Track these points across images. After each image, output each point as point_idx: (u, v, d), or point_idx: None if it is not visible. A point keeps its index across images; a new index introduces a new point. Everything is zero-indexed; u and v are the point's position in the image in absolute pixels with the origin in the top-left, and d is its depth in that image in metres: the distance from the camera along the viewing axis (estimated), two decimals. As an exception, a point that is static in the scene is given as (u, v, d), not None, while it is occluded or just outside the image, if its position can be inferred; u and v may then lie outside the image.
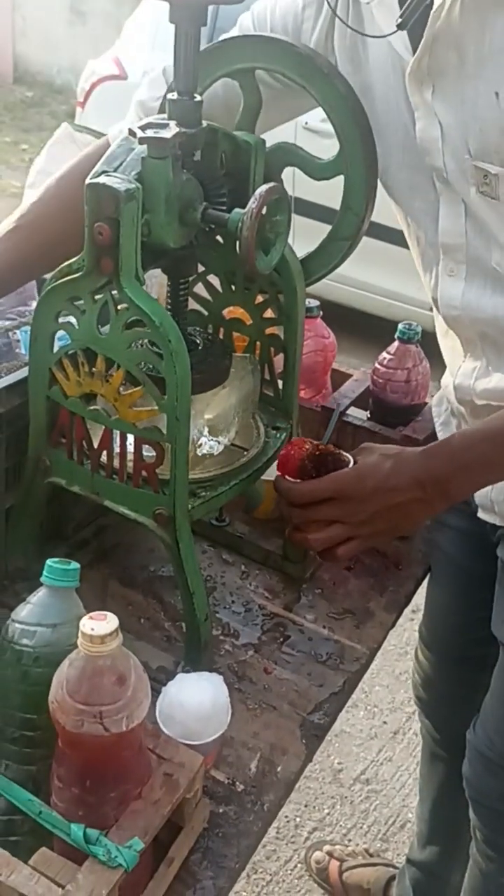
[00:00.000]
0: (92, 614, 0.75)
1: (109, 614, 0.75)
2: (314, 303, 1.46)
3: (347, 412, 1.40)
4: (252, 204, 0.91)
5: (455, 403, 1.23)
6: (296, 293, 1.09)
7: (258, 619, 1.18)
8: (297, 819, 2.05)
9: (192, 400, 0.96)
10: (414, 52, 0.99)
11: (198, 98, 0.96)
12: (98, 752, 0.74)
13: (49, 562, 0.85)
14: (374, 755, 2.23)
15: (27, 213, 1.21)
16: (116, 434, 0.99)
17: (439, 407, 1.33)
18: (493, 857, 1.31)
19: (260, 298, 1.14)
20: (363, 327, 3.62)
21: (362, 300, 3.94)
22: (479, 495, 1.21)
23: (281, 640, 1.16)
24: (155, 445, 0.97)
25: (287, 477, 1.05)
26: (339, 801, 2.11)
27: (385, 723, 2.33)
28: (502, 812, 1.27)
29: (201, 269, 1.15)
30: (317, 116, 1.17)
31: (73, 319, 0.97)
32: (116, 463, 1.00)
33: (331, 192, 1.09)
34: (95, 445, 1.01)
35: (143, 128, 0.90)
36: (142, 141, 0.90)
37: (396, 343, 1.42)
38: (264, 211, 0.93)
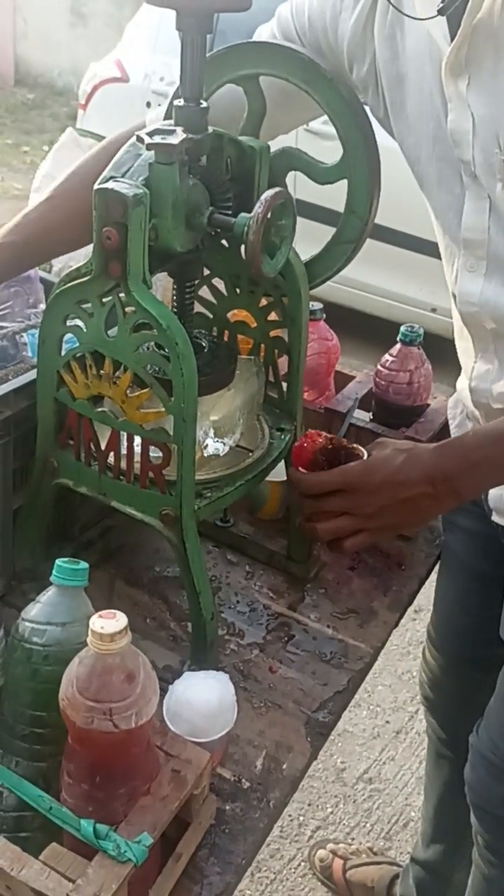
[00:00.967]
0: (101, 613, 0.76)
1: (118, 613, 0.76)
2: (318, 305, 1.47)
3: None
4: (258, 208, 0.92)
5: (470, 406, 1.22)
6: (300, 296, 1.10)
7: (263, 619, 1.20)
8: (301, 818, 2.06)
9: (198, 402, 0.97)
10: (452, 41, 0.97)
11: (204, 104, 0.97)
12: (107, 748, 0.75)
13: (58, 561, 0.87)
14: (377, 754, 2.24)
15: (59, 186, 1.22)
16: (124, 436, 1.00)
17: (454, 409, 1.32)
18: (494, 863, 1.30)
19: (264, 301, 1.15)
20: (365, 329, 3.63)
21: (364, 302, 3.93)
22: (494, 498, 1.21)
23: (285, 639, 1.17)
24: (162, 447, 0.98)
25: (300, 469, 1.06)
26: (343, 800, 2.12)
27: (388, 722, 2.33)
28: None
29: (206, 272, 1.16)
30: (318, 118, 1.18)
31: (80, 322, 0.98)
32: (124, 464, 1.01)
33: (333, 194, 1.10)
34: (103, 447, 1.02)
35: (150, 134, 0.92)
36: (149, 147, 0.91)
37: (399, 345, 1.42)
38: (270, 215, 0.93)
